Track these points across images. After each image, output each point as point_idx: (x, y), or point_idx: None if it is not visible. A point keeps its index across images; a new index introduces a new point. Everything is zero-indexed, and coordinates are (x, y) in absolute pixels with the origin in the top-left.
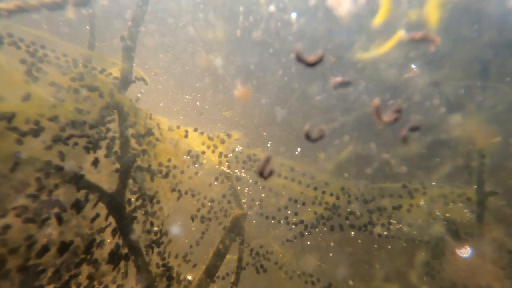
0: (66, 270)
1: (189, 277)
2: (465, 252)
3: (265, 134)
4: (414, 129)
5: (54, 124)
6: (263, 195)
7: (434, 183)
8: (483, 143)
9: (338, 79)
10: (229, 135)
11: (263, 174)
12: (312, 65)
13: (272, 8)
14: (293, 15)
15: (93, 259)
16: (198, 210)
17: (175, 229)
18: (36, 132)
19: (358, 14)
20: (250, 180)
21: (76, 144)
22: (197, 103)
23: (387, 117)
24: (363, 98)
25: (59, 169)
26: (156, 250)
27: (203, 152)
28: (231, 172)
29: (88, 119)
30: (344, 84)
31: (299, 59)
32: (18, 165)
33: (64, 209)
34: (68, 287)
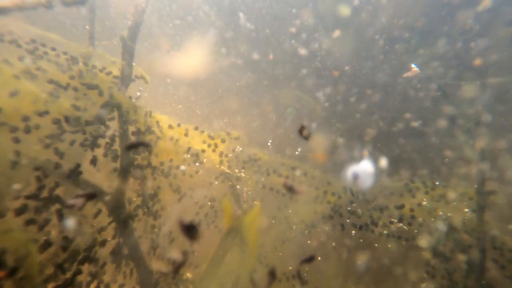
0: (68, 269)
1: (189, 275)
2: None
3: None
4: (308, 260)
5: (48, 121)
6: (263, 195)
7: (437, 183)
8: None
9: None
10: (229, 134)
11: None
12: None
13: None
14: None
15: (95, 257)
16: (197, 213)
17: (176, 229)
18: (27, 127)
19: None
20: (249, 181)
21: (73, 141)
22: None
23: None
24: None
25: (57, 167)
26: (157, 249)
27: (203, 151)
28: (231, 172)
29: (86, 116)
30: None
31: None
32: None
33: (66, 206)
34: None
